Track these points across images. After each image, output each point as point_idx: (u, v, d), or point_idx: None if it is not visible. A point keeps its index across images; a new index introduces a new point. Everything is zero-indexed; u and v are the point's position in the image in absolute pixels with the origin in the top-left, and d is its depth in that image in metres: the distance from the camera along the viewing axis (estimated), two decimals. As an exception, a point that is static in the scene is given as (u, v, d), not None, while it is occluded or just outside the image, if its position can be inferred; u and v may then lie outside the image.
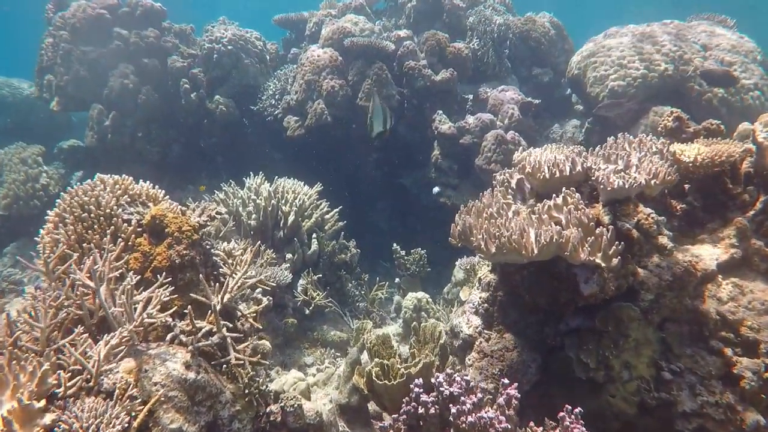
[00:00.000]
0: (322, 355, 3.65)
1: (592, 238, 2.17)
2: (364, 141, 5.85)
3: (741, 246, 2.55)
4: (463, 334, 2.88)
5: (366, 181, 6.05)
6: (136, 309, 1.85)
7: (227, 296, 2.22)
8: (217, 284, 2.29)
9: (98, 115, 5.84)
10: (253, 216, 3.89)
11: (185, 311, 2.04)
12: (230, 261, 2.72)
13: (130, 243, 2.22)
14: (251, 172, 4.31)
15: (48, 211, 2.39)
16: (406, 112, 5.57)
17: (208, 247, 2.53)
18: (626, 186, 2.18)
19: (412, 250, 4.49)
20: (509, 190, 2.62)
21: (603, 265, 2.16)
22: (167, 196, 2.67)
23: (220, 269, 2.50)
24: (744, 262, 2.56)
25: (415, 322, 2.85)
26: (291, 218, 3.93)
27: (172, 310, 1.99)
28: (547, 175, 2.42)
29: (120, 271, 2.00)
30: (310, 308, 3.82)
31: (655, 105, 5.14)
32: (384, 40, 5.74)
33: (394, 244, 4.48)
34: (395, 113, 5.59)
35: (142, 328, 1.88)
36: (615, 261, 2.14)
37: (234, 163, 6.34)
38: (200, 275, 2.28)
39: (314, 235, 4.04)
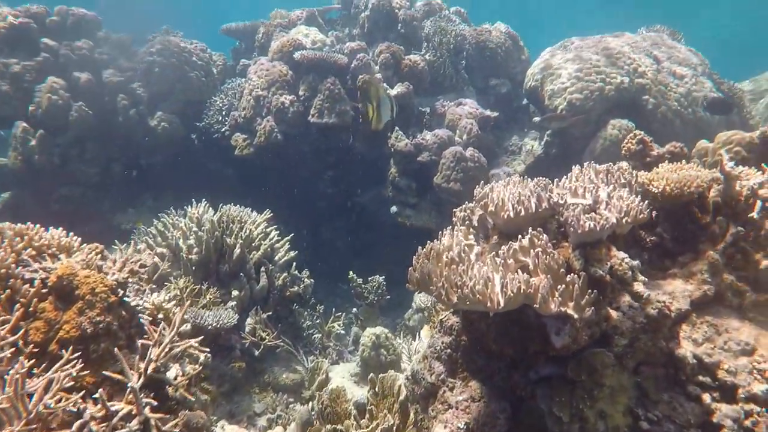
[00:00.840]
0: (274, 401, 3.35)
1: (563, 286, 1.96)
2: (319, 158, 5.58)
3: (713, 281, 2.40)
4: (425, 381, 2.65)
5: (322, 199, 5.78)
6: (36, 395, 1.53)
7: (152, 366, 1.92)
8: (143, 344, 1.99)
9: (23, 133, 5.34)
10: (195, 250, 3.57)
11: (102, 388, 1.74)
12: (160, 316, 2.40)
13: (31, 309, 1.89)
14: (193, 200, 3.97)
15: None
16: (362, 127, 5.32)
17: (132, 304, 2.21)
18: (598, 228, 1.99)
19: (369, 278, 4.24)
20: (471, 229, 2.41)
21: (576, 316, 1.96)
22: (84, 245, 2.33)
23: (146, 331, 2.19)
24: (717, 298, 2.42)
25: (372, 374, 2.60)
26: (237, 251, 3.62)
27: (81, 394, 1.68)
28: (512, 214, 2.21)
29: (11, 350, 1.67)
30: (260, 350, 3.52)
31: (613, 117, 5.07)
32: (336, 53, 5.48)
33: (351, 273, 4.22)
34: (349, 129, 5.34)
35: (37, 425, 1.56)
36: (588, 312, 1.95)
37: (181, 182, 5.96)
38: (120, 341, 1.97)
39: (263, 269, 3.73)
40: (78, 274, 1.97)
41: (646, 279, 2.09)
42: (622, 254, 2.06)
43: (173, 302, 2.50)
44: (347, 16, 6.86)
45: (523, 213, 2.20)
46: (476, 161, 4.57)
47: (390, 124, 3.10)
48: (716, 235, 2.52)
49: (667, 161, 3.02)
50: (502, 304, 1.96)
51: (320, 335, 4.02)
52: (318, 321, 4.09)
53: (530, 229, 2.16)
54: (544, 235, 2.13)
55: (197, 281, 3.55)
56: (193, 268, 3.59)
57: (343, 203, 5.76)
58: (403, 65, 5.30)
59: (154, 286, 3.00)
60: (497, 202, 2.23)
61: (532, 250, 2.12)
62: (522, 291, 1.95)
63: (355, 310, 4.32)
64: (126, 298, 2.18)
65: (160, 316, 2.44)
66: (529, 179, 2.42)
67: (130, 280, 2.08)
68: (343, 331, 4.22)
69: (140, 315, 2.25)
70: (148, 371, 1.91)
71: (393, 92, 5.09)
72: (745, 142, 3.31)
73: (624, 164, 3.41)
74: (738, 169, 2.46)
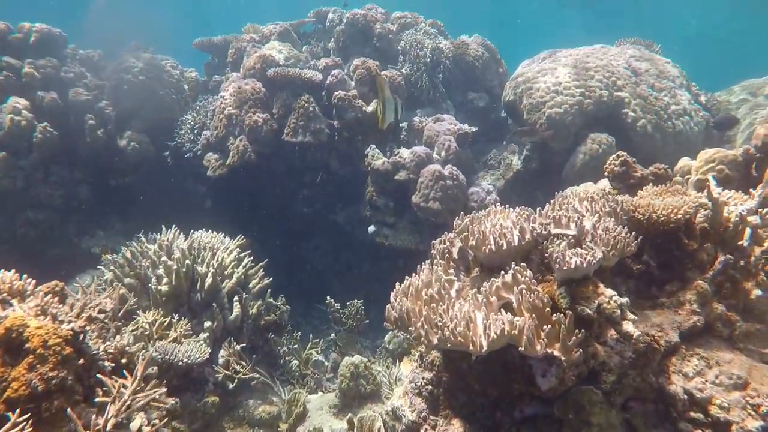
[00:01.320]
0: (249, 438, 3.20)
1: (549, 327, 1.86)
2: (294, 177, 5.44)
3: (703, 311, 2.33)
4: (406, 419, 2.53)
5: (298, 218, 5.63)
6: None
7: (111, 423, 1.77)
8: (101, 401, 1.83)
9: (-16, 157, 5.11)
10: (165, 280, 3.40)
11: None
12: (124, 360, 2.25)
13: (-26, 368, 1.72)
14: (163, 227, 3.81)
15: None
16: (337, 145, 5.20)
17: (92, 351, 2.05)
18: (584, 265, 1.89)
19: (347, 303, 4.11)
20: (451, 263, 2.30)
21: (563, 358, 1.86)
22: (40, 288, 2.17)
23: (107, 380, 2.03)
24: (707, 328, 2.34)
25: (351, 414, 2.47)
26: (209, 281, 3.46)
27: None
28: (494, 247, 2.11)
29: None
30: (234, 383, 3.36)
31: (593, 131, 5.03)
32: (311, 69, 5.36)
33: (328, 297, 4.09)
34: (325, 147, 5.22)
35: None
36: (576, 354, 1.85)
37: (153, 203, 5.77)
38: (77, 396, 1.81)
39: (236, 297, 3.58)
40: (28, 325, 1.81)
41: (636, 317, 2.00)
42: (609, 292, 1.97)
43: (138, 344, 2.34)
44: (322, 30, 6.75)
45: (505, 247, 2.10)
46: (455, 179, 4.48)
47: (393, 125, 3.03)
48: (704, 262, 2.46)
49: (651, 183, 2.96)
50: (485, 347, 1.85)
51: (298, 363, 3.88)
52: (295, 347, 3.95)
53: (513, 264, 2.06)
54: (528, 271, 2.03)
55: (167, 313, 3.39)
56: (163, 299, 3.42)
57: (319, 222, 5.63)
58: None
59: (120, 324, 2.84)
60: (478, 235, 2.12)
61: (515, 287, 2.02)
62: (506, 333, 1.84)
63: (333, 335, 4.18)
64: (85, 344, 2.03)
65: (124, 360, 2.28)
66: (511, 209, 2.32)
67: (88, 328, 1.92)
68: (321, 358, 4.07)
69: (101, 362, 2.09)
70: (107, 429, 1.75)
71: (369, 109, 4.98)
72: (728, 160, 3.27)
73: (606, 183, 3.36)
74: (725, 195, 2.40)
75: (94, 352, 2.04)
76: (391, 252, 4.89)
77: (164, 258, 3.46)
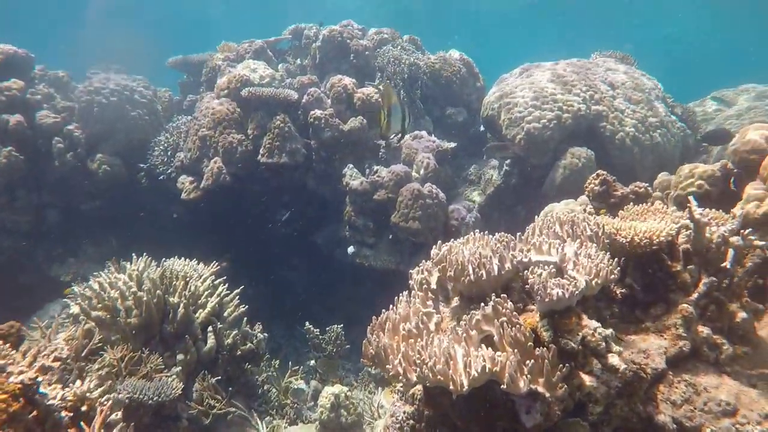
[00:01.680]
0: (225, 476, 3.05)
1: (532, 362, 1.78)
2: (271, 198, 5.33)
3: (688, 336, 2.26)
4: (388, 456, 2.42)
5: (276, 240, 5.51)
6: None
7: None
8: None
9: (-56, 184, 4.93)
10: (135, 312, 3.25)
11: None
12: (84, 408, 2.11)
13: None
14: (134, 254, 3.67)
15: None
16: (315, 165, 5.10)
17: (48, 401, 1.92)
18: (566, 296, 1.82)
19: (327, 328, 3.99)
20: (429, 293, 2.20)
21: (547, 395, 1.77)
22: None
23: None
24: (693, 353, 2.28)
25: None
26: (181, 311, 3.32)
27: None
28: (473, 278, 2.03)
29: None
30: (209, 418, 3.21)
31: (571, 145, 5.00)
32: (286, 88, 5.27)
33: (307, 323, 3.97)
34: (302, 167, 5.12)
35: None
36: (561, 390, 1.77)
37: (126, 227, 5.61)
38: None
39: (210, 328, 3.44)
40: (-28, 379, 1.67)
41: (621, 349, 1.92)
42: (593, 324, 1.89)
43: (101, 389, 2.21)
44: (298, 47, 6.67)
45: (485, 277, 2.02)
46: (435, 197, 4.40)
47: (400, 133, 2.95)
48: (688, 284, 2.40)
49: (632, 202, 2.91)
50: (465, 386, 1.76)
51: (277, 392, 3.74)
52: (274, 375, 3.81)
53: (493, 296, 1.97)
54: (509, 303, 1.95)
55: (138, 346, 3.24)
56: (133, 332, 3.27)
57: (298, 243, 5.51)
58: (356, 99, 5.12)
59: (83, 364, 2.70)
60: (456, 266, 2.04)
61: (496, 320, 1.93)
62: (487, 370, 1.75)
63: (312, 362, 4.05)
64: (39, 395, 1.89)
65: (85, 408, 2.14)
66: (490, 236, 2.24)
67: (40, 379, 1.79)
68: (302, 384, 3.95)
69: (57, 413, 1.95)
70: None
71: (346, 128, 4.90)
72: (706, 175, 3.24)
73: (585, 199, 3.31)
74: (707, 215, 2.35)
75: (50, 402, 1.91)
76: (371, 272, 4.79)
77: (134, 289, 3.32)
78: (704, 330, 2.28)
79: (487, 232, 2.26)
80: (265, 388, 3.77)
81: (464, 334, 1.94)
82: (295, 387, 3.80)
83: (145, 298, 3.27)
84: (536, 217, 2.54)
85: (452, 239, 2.36)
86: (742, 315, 2.26)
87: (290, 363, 3.93)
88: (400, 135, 3.04)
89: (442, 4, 22.55)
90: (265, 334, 3.83)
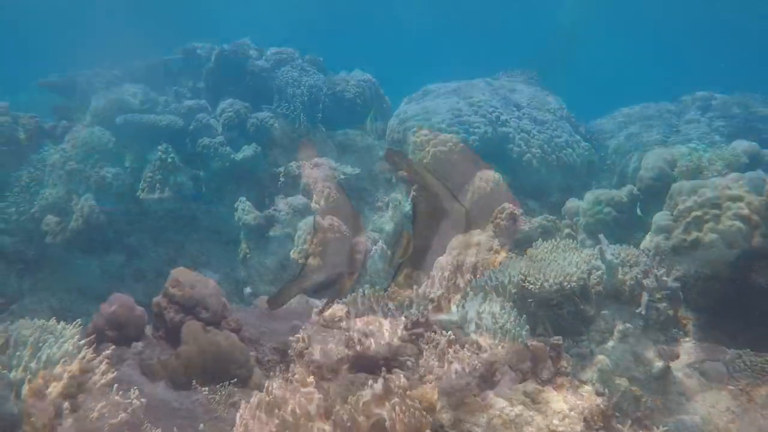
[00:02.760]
0: None
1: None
2: (156, 234, 4.76)
3: (606, 390, 2.03)
4: None
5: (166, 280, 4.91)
6: None
7: None
8: None
9: None
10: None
11: None
12: None
13: None
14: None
15: None
16: (205, 197, 4.60)
17: None
18: (467, 371, 1.51)
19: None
20: (311, 367, 1.83)
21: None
22: None
23: None
24: (614, 409, 2.05)
25: None
26: (25, 389, 2.72)
27: None
28: (359, 349, 1.67)
29: None
30: None
31: (480, 168, 4.83)
32: (171, 113, 4.74)
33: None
34: (189, 200, 4.60)
35: None
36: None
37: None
38: None
39: (66, 405, 2.86)
40: None
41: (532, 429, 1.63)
42: (500, 403, 1.59)
43: None
44: (190, 68, 6.14)
45: (372, 348, 1.66)
46: (336, 231, 4.04)
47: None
48: (602, 330, 2.18)
49: (539, 237, 2.70)
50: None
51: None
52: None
53: (384, 372, 1.63)
54: (402, 379, 1.61)
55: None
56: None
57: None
58: (249, 125, 4.68)
59: None
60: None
61: (387, 402, 1.58)
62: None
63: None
64: None
65: None
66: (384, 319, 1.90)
67: None
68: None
69: None
70: None
71: (238, 156, 4.45)
72: (614, 201, 3.13)
73: (487, 236, 3.07)
74: (620, 254, 2.13)
75: None
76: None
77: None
78: (622, 382, 2.05)
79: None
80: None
81: (350, 423, 1.57)
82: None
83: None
84: (437, 261, 2.24)
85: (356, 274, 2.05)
86: (657, 365, 2.06)
87: None
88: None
89: (346, 20, 22.53)
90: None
